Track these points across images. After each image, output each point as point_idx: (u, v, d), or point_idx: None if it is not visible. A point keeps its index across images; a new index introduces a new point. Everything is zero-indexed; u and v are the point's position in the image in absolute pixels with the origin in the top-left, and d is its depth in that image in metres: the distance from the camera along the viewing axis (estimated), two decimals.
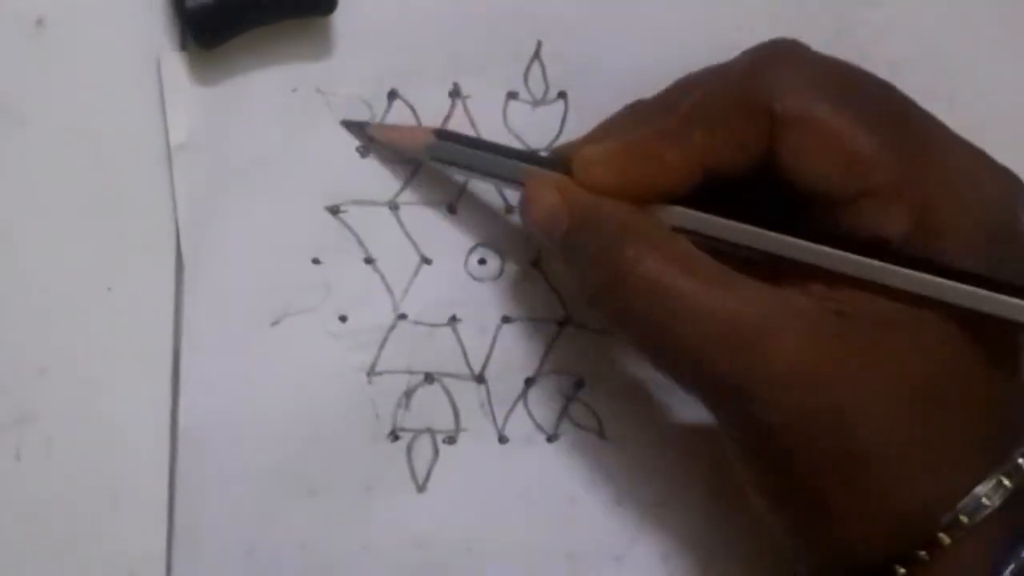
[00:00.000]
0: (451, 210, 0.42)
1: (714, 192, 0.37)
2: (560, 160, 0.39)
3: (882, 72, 0.44)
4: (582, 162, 0.38)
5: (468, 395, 0.42)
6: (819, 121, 0.36)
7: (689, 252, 0.36)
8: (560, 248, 0.38)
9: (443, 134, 0.40)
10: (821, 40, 0.43)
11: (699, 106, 0.37)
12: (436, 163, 0.40)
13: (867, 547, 0.35)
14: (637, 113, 0.39)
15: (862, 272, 0.35)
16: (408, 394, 0.42)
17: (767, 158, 0.36)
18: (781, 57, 0.37)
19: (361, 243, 0.41)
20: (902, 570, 0.35)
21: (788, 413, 0.34)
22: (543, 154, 0.41)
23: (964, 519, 0.34)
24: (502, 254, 0.42)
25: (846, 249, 0.36)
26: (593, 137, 0.39)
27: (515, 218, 0.42)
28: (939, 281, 0.35)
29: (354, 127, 0.41)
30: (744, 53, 0.38)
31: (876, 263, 0.35)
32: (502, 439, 0.42)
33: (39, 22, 0.38)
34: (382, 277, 0.41)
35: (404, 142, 0.41)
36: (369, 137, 0.41)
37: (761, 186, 0.37)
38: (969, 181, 0.37)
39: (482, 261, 0.42)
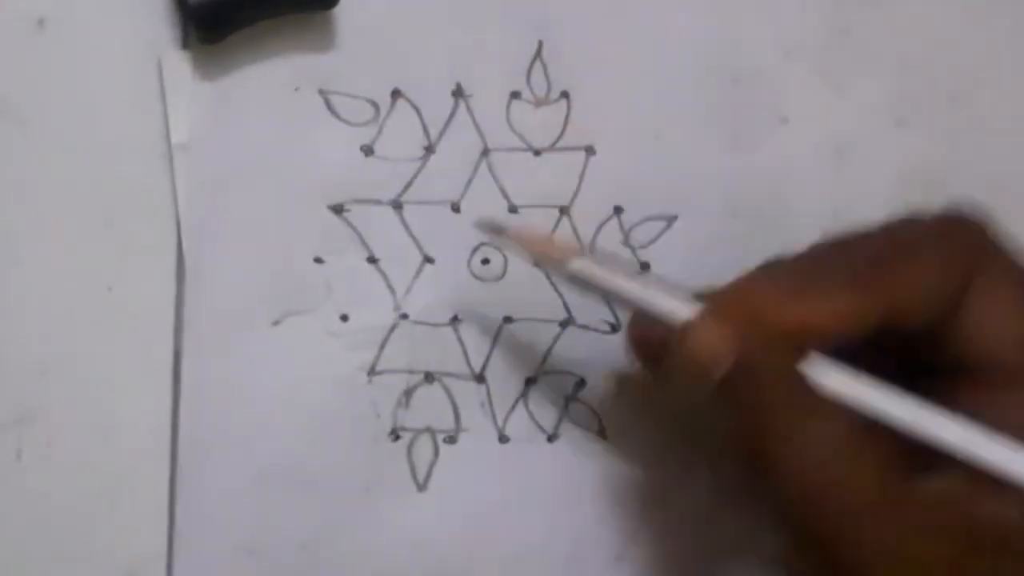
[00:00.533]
0: (455, 209, 0.42)
1: (873, 353, 0.35)
2: (716, 301, 0.36)
3: (885, 73, 0.44)
4: (761, 297, 0.35)
5: (469, 395, 0.42)
6: (1008, 294, 0.35)
7: (859, 438, 0.34)
8: (713, 390, 0.35)
9: (590, 256, 0.38)
10: (821, 40, 0.44)
11: (896, 251, 0.36)
12: (577, 281, 0.38)
13: None
14: (793, 264, 0.37)
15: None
16: (408, 393, 0.42)
17: (947, 318, 0.35)
18: (980, 225, 0.37)
19: (364, 242, 0.41)
20: None
21: None
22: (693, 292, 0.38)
23: None
24: (505, 254, 0.42)
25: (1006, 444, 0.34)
26: (761, 277, 0.36)
27: (518, 218, 0.42)
28: None
29: (489, 225, 0.39)
30: (933, 215, 0.37)
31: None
32: (502, 439, 0.42)
33: (40, 22, 0.38)
34: (384, 276, 0.41)
35: (550, 252, 0.38)
36: (502, 235, 0.39)
37: (923, 352, 0.36)
38: None
39: (485, 261, 0.42)
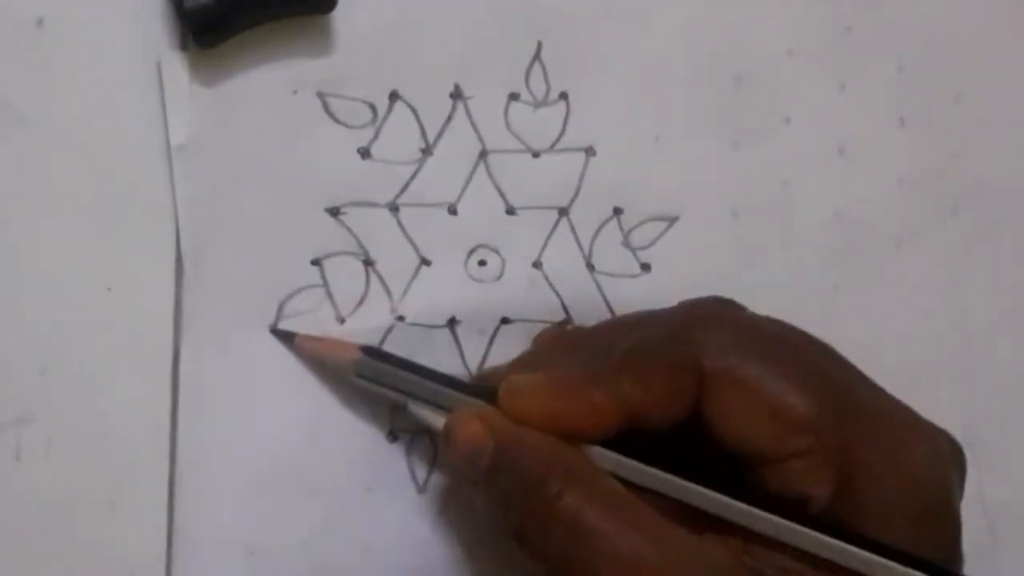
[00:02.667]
0: (451, 211, 0.42)
1: (637, 440, 0.36)
2: (486, 390, 0.38)
3: (887, 73, 0.44)
4: (509, 391, 0.37)
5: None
6: (746, 381, 0.36)
7: (614, 492, 0.35)
8: (484, 480, 0.36)
9: (370, 351, 0.39)
10: (824, 40, 0.43)
11: (630, 357, 0.37)
12: (362, 381, 0.39)
13: None
14: (565, 345, 0.39)
15: (778, 533, 0.35)
16: None
17: (693, 414, 0.36)
18: (712, 316, 0.38)
19: (361, 244, 0.41)
20: None
21: None
22: (469, 382, 0.41)
23: None
24: (502, 255, 0.42)
25: (765, 508, 0.35)
26: (520, 365, 0.38)
27: (516, 219, 0.42)
28: (852, 550, 0.34)
29: (281, 335, 0.40)
30: (678, 306, 0.39)
31: (793, 525, 0.35)
32: None
33: (39, 22, 0.38)
34: (381, 279, 0.41)
35: (330, 356, 0.40)
36: (297, 348, 0.40)
37: (689, 437, 0.36)
38: (899, 455, 0.36)
39: (482, 263, 0.42)
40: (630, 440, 0.36)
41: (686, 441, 0.37)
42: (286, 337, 0.40)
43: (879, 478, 0.35)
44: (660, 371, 0.36)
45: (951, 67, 0.44)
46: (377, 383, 0.39)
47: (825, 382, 0.36)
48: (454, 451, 0.37)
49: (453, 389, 0.38)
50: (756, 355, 0.36)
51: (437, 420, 0.38)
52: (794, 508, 0.35)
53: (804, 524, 0.35)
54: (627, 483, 0.36)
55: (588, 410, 0.36)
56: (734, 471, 0.36)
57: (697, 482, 0.36)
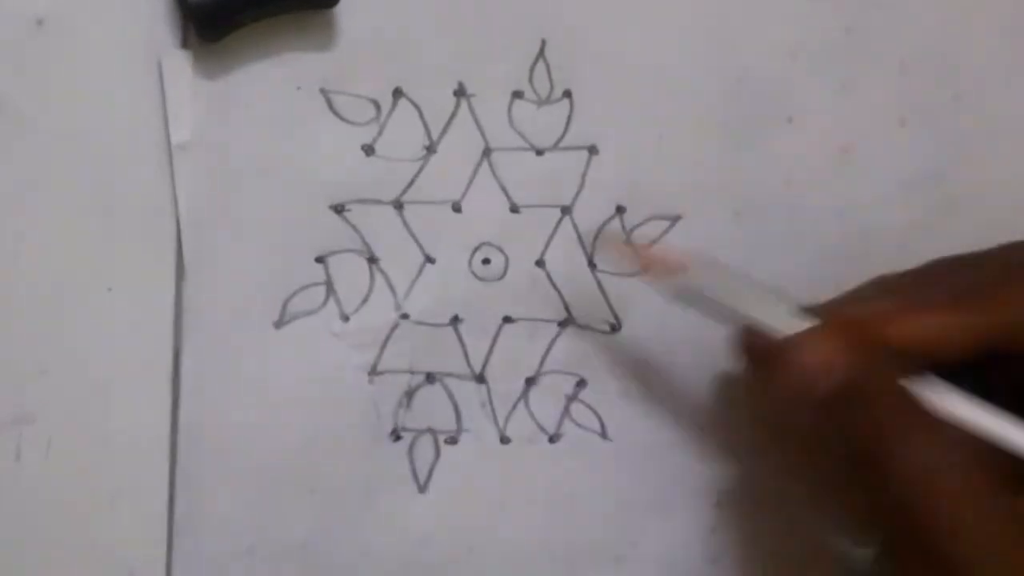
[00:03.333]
0: (456, 209, 0.41)
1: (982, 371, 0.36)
2: (824, 315, 0.36)
3: (888, 73, 0.44)
4: (868, 315, 0.35)
5: (469, 395, 0.42)
6: None
7: (970, 458, 0.34)
8: (822, 404, 0.35)
9: (705, 262, 0.38)
10: (826, 40, 0.43)
11: (1009, 273, 0.36)
12: (686, 295, 0.38)
13: None
14: (898, 282, 0.38)
15: None
16: (409, 394, 0.42)
17: None
18: None
19: (365, 242, 0.41)
20: None
21: None
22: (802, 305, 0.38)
23: None
24: (506, 253, 0.42)
25: None
26: (874, 294, 0.37)
27: (519, 218, 0.42)
28: None
29: (611, 235, 0.40)
30: (1018, 243, 0.38)
31: None
32: (503, 439, 0.42)
33: (39, 22, 0.38)
34: (385, 276, 0.41)
35: (663, 264, 0.39)
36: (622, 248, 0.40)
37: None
38: None
39: (486, 261, 0.42)
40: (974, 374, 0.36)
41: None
42: (613, 236, 0.40)
43: None
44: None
45: (952, 67, 0.44)
46: (702, 297, 0.38)
47: None
48: (798, 367, 0.35)
49: (792, 309, 0.37)
50: None
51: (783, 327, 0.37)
52: None
53: None
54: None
55: (953, 327, 0.35)
56: None
57: None
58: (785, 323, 0.36)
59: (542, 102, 0.42)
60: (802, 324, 0.36)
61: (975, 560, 0.33)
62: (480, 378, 0.42)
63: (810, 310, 0.37)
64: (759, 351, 0.37)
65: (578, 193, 0.42)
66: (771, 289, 0.38)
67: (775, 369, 0.36)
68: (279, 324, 0.40)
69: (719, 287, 0.38)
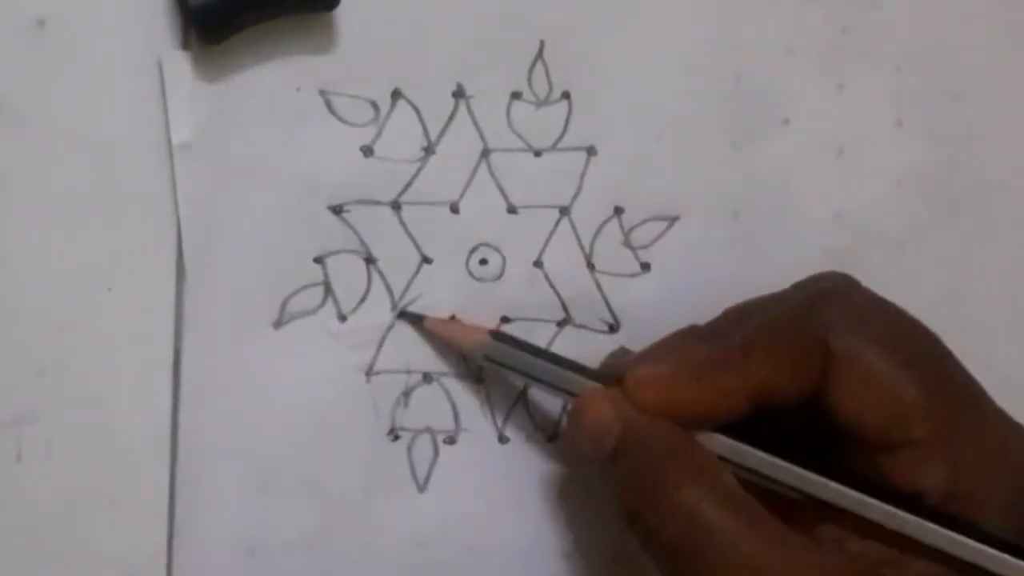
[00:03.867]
0: (453, 210, 0.42)
1: (756, 424, 0.37)
2: (611, 377, 0.38)
3: (885, 74, 0.44)
4: (636, 381, 0.37)
5: (467, 395, 0.42)
6: (871, 363, 0.37)
7: (732, 488, 0.35)
8: (606, 461, 0.37)
9: (500, 336, 0.40)
10: (823, 41, 0.43)
11: (757, 336, 0.37)
12: (490, 363, 0.40)
13: None
14: (691, 338, 0.39)
15: (897, 524, 0.36)
16: (407, 393, 0.42)
17: (816, 393, 0.37)
18: (840, 294, 0.38)
19: (363, 242, 0.41)
20: None
21: None
22: (595, 368, 0.41)
23: None
24: (503, 254, 0.42)
25: (883, 499, 0.36)
26: (646, 357, 0.38)
27: (517, 218, 0.42)
28: (971, 544, 0.35)
29: (411, 317, 0.41)
30: (797, 285, 0.39)
31: (911, 517, 0.35)
32: (502, 439, 0.42)
33: (40, 22, 0.38)
34: (383, 276, 0.41)
35: (460, 339, 0.41)
36: (425, 329, 0.41)
37: (803, 421, 0.37)
38: (1006, 449, 0.37)
39: (483, 261, 0.42)
40: (748, 427, 0.37)
41: (800, 428, 0.37)
42: (414, 319, 0.41)
43: (988, 475, 0.36)
44: (788, 349, 0.37)
45: (949, 67, 0.44)
46: (503, 366, 0.40)
47: (939, 373, 0.37)
48: (581, 429, 0.38)
49: (579, 374, 0.39)
50: (878, 337, 0.37)
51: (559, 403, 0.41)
52: (909, 501, 0.36)
53: (919, 515, 0.35)
54: (744, 471, 0.37)
55: (716, 395, 0.37)
56: (847, 459, 0.37)
57: (817, 472, 0.36)
58: (579, 387, 0.38)
59: (540, 103, 0.42)
60: (591, 388, 0.38)
61: None
62: (479, 378, 0.42)
63: (599, 375, 0.39)
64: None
65: (576, 194, 0.42)
66: (566, 359, 0.40)
67: (567, 431, 0.40)
68: (278, 324, 0.40)
69: (521, 357, 0.40)
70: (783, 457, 0.37)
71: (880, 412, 0.36)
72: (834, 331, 0.37)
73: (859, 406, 0.36)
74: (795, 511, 0.37)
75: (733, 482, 0.36)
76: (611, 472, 0.37)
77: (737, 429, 0.37)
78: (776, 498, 0.37)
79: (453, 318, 0.42)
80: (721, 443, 0.37)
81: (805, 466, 0.37)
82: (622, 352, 0.42)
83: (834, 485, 0.36)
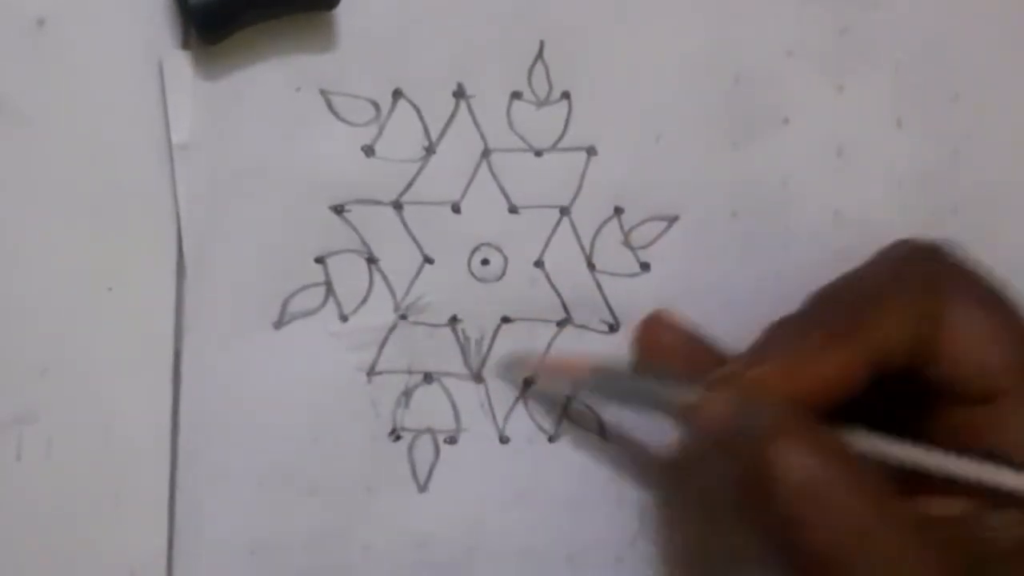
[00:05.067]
0: (455, 210, 0.42)
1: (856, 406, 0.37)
2: (718, 383, 0.38)
3: (885, 74, 0.44)
4: (750, 382, 0.37)
5: (468, 395, 0.42)
6: (976, 317, 0.37)
7: (849, 456, 0.35)
8: (721, 452, 0.36)
9: (601, 370, 0.40)
10: (822, 40, 0.43)
11: (863, 303, 0.37)
12: (594, 396, 0.41)
13: None
14: (788, 327, 0.38)
15: (1003, 483, 0.36)
16: (408, 394, 0.42)
17: (927, 353, 0.37)
18: (940, 253, 0.39)
19: (364, 242, 0.41)
20: None
21: None
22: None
23: None
24: (505, 254, 0.42)
25: (985, 460, 0.36)
26: (756, 357, 0.38)
27: (518, 218, 0.42)
28: None
29: (514, 363, 0.42)
30: (889, 250, 0.40)
31: (1008, 472, 0.36)
32: (503, 439, 0.42)
33: (40, 22, 0.38)
34: (384, 277, 0.41)
35: (565, 374, 0.41)
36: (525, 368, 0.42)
37: (897, 388, 0.38)
38: None
39: (485, 261, 0.42)
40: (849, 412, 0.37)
41: (891, 400, 0.38)
42: (517, 362, 0.42)
43: None
44: (897, 309, 0.37)
45: (949, 67, 0.44)
46: (610, 395, 0.40)
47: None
48: (697, 427, 0.37)
49: (685, 390, 0.38)
50: (981, 294, 0.38)
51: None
52: (1007, 458, 0.36)
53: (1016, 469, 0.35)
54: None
55: (832, 373, 0.36)
56: (939, 424, 0.37)
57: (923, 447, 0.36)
58: (685, 398, 0.38)
59: (541, 103, 0.42)
60: (699, 394, 0.38)
61: (877, 567, 0.34)
62: (479, 378, 0.42)
63: (707, 383, 0.38)
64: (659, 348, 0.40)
65: (577, 194, 0.42)
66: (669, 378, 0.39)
67: (685, 439, 0.40)
68: (279, 324, 0.40)
69: (624, 383, 0.40)
70: (887, 432, 0.37)
71: (982, 364, 0.37)
72: (942, 286, 0.37)
73: (963, 358, 0.37)
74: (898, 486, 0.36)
75: (847, 449, 0.36)
76: (724, 455, 0.36)
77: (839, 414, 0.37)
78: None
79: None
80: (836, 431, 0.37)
81: (905, 441, 0.37)
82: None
83: (939, 454, 0.36)
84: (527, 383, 0.42)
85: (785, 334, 0.38)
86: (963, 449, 0.36)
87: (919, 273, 0.38)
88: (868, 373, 0.37)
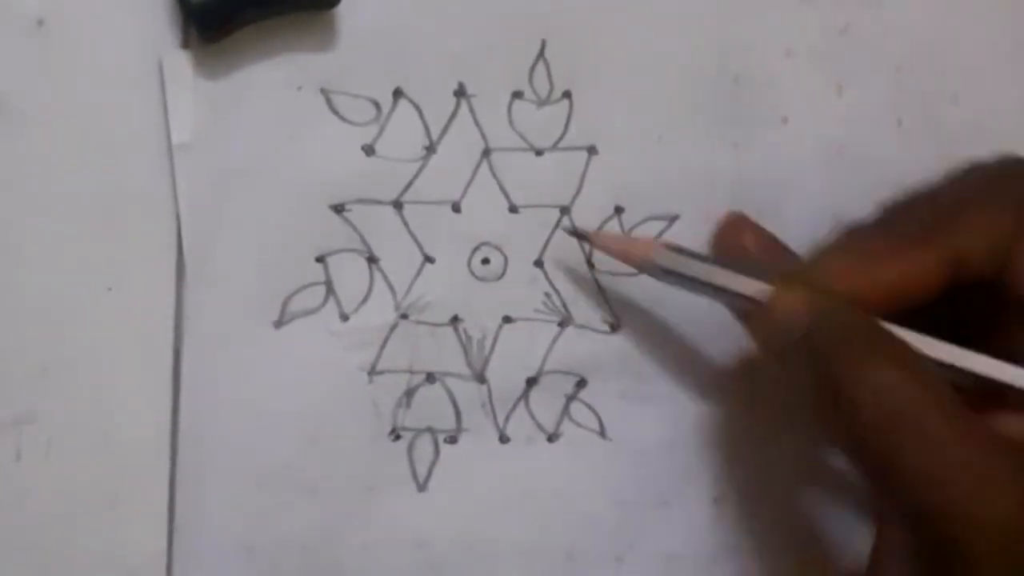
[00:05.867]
0: (455, 209, 0.41)
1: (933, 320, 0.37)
2: (791, 275, 0.38)
3: (885, 74, 0.44)
4: (824, 271, 0.37)
5: (469, 395, 0.42)
6: None
7: (931, 373, 0.35)
8: (796, 350, 0.36)
9: (670, 246, 0.39)
10: (822, 40, 0.44)
11: (943, 206, 0.37)
12: (660, 276, 0.39)
13: None
14: (863, 229, 0.38)
15: None
16: (409, 393, 0.42)
17: (1004, 261, 0.37)
18: (1013, 167, 0.38)
19: (364, 242, 0.41)
20: None
21: (994, 569, 0.34)
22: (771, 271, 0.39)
23: None
24: (506, 253, 0.42)
25: None
26: (831, 253, 0.38)
27: (519, 218, 0.42)
28: None
29: (578, 236, 0.41)
30: (971, 168, 0.39)
31: None
32: (503, 439, 0.42)
33: (39, 22, 0.38)
34: (385, 276, 0.41)
35: (630, 252, 0.40)
36: (594, 243, 0.41)
37: (978, 306, 0.37)
38: None
39: (485, 261, 0.42)
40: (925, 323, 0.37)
41: (970, 322, 0.37)
42: (580, 236, 0.41)
43: None
44: (978, 213, 0.37)
45: (949, 68, 0.44)
46: (677, 274, 0.39)
47: None
48: (771, 322, 0.37)
49: (757, 277, 0.38)
50: None
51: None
52: None
53: None
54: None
55: (908, 271, 0.36)
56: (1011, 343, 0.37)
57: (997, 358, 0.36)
58: (757, 290, 0.38)
59: (542, 102, 0.42)
60: (769, 287, 0.37)
61: (950, 474, 0.34)
62: (481, 378, 0.42)
63: (781, 275, 0.38)
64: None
65: (577, 193, 0.42)
66: (737, 260, 0.40)
67: (754, 333, 0.38)
68: (279, 324, 0.40)
69: (696, 263, 0.39)
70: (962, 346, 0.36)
71: None
72: (1018, 196, 0.37)
73: None
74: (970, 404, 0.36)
75: (926, 365, 0.35)
76: (802, 362, 0.36)
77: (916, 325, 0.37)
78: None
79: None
80: (906, 335, 0.36)
81: (984, 352, 0.36)
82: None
83: (1017, 368, 0.36)
84: (529, 382, 0.42)
85: (860, 235, 0.38)
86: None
87: (1006, 186, 0.37)
88: (944, 278, 0.36)
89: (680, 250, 0.39)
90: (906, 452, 0.34)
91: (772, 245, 0.41)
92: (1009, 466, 0.34)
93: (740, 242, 0.41)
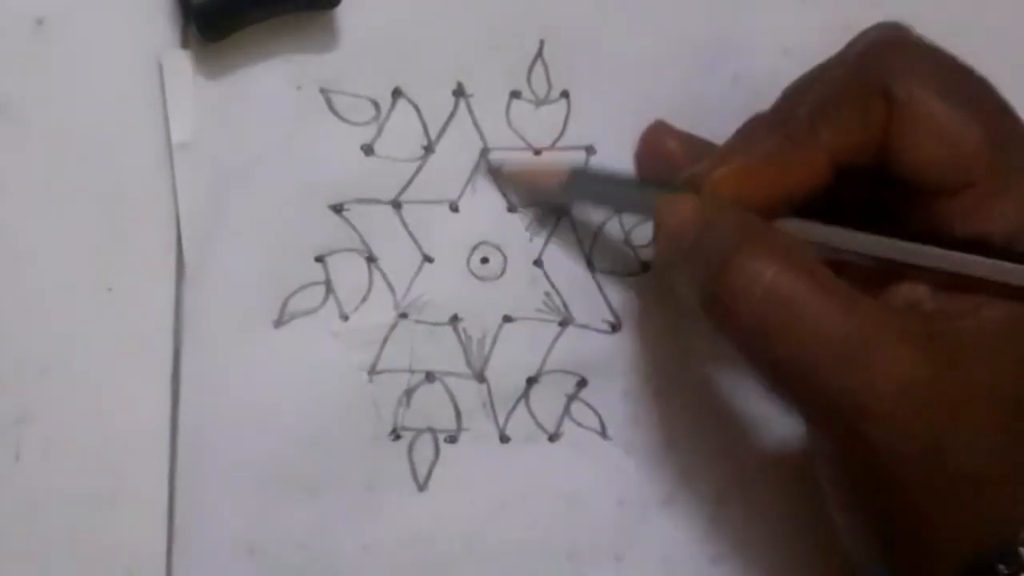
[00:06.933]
0: (454, 208, 0.42)
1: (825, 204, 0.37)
2: (691, 186, 0.38)
3: None
4: (713, 180, 0.37)
5: (469, 394, 0.42)
6: (932, 106, 0.36)
7: (810, 261, 0.35)
8: (685, 255, 0.37)
9: (578, 171, 0.41)
10: (822, 40, 0.43)
11: (821, 100, 0.37)
12: (571, 199, 0.41)
13: (952, 559, 0.35)
14: (757, 126, 0.39)
15: (964, 268, 0.35)
16: (409, 393, 0.42)
17: (884, 145, 0.37)
18: (894, 41, 0.38)
19: (364, 241, 0.41)
20: None
21: (896, 432, 0.34)
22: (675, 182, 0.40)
23: None
24: (505, 253, 0.42)
25: (949, 247, 0.36)
26: (720, 158, 0.38)
27: (518, 217, 0.42)
28: None
29: (493, 170, 0.41)
30: (851, 43, 0.39)
31: (977, 258, 0.35)
32: (503, 438, 0.42)
33: (39, 22, 0.38)
34: (384, 276, 0.41)
35: (540, 180, 0.41)
36: (503, 176, 0.41)
37: (866, 189, 0.37)
38: None
39: (484, 260, 0.42)
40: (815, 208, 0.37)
41: (861, 194, 0.38)
42: (494, 171, 0.41)
43: None
44: (853, 105, 0.37)
45: None
46: (585, 198, 0.41)
47: (998, 118, 0.37)
48: (663, 232, 0.38)
49: (659, 190, 0.39)
50: (938, 80, 0.37)
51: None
52: (979, 245, 0.36)
53: (988, 256, 0.35)
54: (818, 247, 0.37)
55: (794, 172, 0.37)
56: (910, 214, 0.37)
57: (886, 235, 0.37)
58: (660, 199, 0.38)
59: (540, 102, 0.42)
60: (672, 196, 0.38)
61: (838, 349, 0.34)
62: (481, 377, 0.42)
63: (688, 178, 0.39)
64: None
65: None
66: (646, 180, 0.41)
67: (654, 243, 0.39)
68: (279, 324, 0.40)
69: (602, 184, 0.41)
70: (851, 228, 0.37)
71: (944, 154, 0.36)
72: (894, 77, 0.37)
73: (923, 150, 0.36)
74: (868, 283, 0.37)
75: (809, 255, 0.36)
76: (691, 265, 0.36)
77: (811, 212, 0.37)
78: (850, 273, 0.37)
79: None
80: (795, 225, 0.37)
81: (872, 231, 0.37)
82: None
83: (902, 243, 0.36)
84: (530, 382, 0.42)
85: (751, 133, 0.38)
86: (930, 234, 0.36)
87: (880, 64, 0.37)
88: (831, 172, 0.37)
89: (588, 171, 0.41)
90: (791, 337, 0.34)
91: (696, 146, 0.41)
92: (895, 332, 0.34)
93: (664, 149, 0.41)
